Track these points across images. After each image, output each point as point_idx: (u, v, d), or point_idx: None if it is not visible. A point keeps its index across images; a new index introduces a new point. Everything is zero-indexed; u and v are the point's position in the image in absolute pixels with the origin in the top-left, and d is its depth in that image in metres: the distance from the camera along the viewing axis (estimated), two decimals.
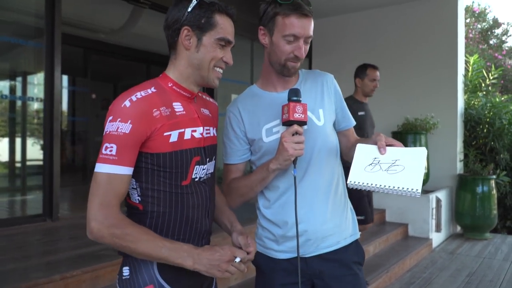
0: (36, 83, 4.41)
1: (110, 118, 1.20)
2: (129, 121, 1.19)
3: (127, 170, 1.20)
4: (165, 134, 1.25)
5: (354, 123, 1.74)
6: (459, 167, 6.68)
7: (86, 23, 6.77)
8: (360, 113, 3.94)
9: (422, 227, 5.85)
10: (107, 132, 1.19)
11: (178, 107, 1.31)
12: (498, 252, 5.52)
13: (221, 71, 1.37)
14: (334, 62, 7.40)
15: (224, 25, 1.32)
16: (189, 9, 1.29)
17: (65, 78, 9.07)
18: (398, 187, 1.31)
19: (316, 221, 1.56)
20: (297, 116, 1.40)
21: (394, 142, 1.42)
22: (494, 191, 6.28)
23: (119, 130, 1.18)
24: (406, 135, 6.41)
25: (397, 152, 1.38)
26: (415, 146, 6.24)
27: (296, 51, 1.50)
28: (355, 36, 7.53)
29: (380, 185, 1.34)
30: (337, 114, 1.68)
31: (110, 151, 1.18)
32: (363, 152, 1.42)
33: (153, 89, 1.29)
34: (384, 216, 6.14)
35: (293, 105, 1.40)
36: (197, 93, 1.42)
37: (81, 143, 9.51)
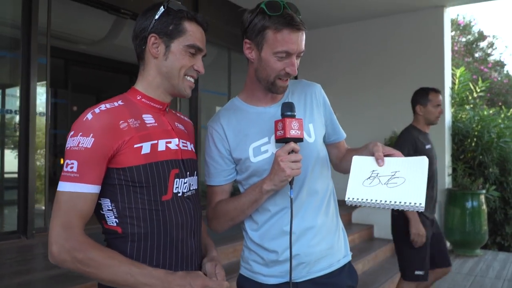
0: (15, 95, 4.29)
1: (71, 133, 1.14)
2: (91, 134, 1.12)
3: (91, 188, 1.12)
4: (135, 146, 1.18)
5: (345, 135, 1.62)
6: (448, 181, 6.57)
7: (66, 34, 6.60)
8: (427, 146, 3.27)
9: None
10: (68, 148, 1.13)
11: (148, 119, 1.25)
12: (490, 270, 5.38)
13: (192, 80, 1.31)
14: (321, 75, 7.32)
15: (194, 33, 1.28)
16: (157, 17, 1.26)
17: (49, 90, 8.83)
18: (400, 202, 1.22)
19: (308, 244, 1.45)
20: (293, 133, 1.30)
21: (393, 152, 1.31)
22: (484, 206, 6.16)
23: (80, 145, 1.11)
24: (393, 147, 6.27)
25: (396, 163, 1.29)
26: None
27: (288, 68, 1.38)
28: (342, 48, 7.50)
29: (381, 201, 1.24)
30: (327, 127, 1.58)
31: (71, 168, 1.11)
32: (360, 165, 1.32)
33: (120, 102, 1.23)
34: (372, 232, 5.99)
35: (289, 121, 1.30)
36: (169, 104, 1.36)
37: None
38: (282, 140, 1.32)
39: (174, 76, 1.27)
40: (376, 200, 1.24)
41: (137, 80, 1.32)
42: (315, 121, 1.51)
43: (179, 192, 1.25)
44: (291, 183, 1.33)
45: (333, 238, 1.52)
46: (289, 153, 1.30)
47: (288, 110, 1.33)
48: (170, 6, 1.27)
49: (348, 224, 5.96)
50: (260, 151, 1.44)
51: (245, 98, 1.54)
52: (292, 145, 1.30)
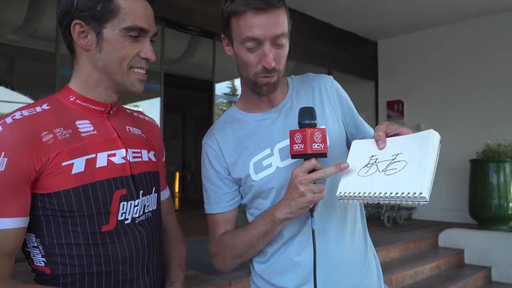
0: None
1: None
2: (3, 153, 0.87)
3: (11, 223, 0.88)
4: (64, 164, 0.92)
5: (373, 131, 1.29)
6: None
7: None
8: None
9: (509, 271, 4.97)
10: None
11: (85, 126, 0.99)
12: None
13: (142, 71, 1.03)
14: (402, 83, 6.89)
15: (132, 9, 0.97)
16: None
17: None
18: (397, 193, 0.94)
19: (327, 280, 1.16)
20: (316, 147, 1.04)
21: (401, 130, 1.05)
22: None
23: None
24: (487, 163, 5.71)
25: (399, 142, 1.03)
26: (498, 177, 5.47)
27: (263, 60, 1.10)
28: (424, 56, 7.04)
29: (375, 194, 0.98)
30: (347, 126, 1.28)
31: None
32: (359, 150, 1.08)
33: (45, 106, 0.97)
34: (462, 257, 5.36)
35: (311, 131, 1.04)
36: (115, 105, 1.08)
37: None
38: (300, 156, 1.06)
39: (114, 71, 1.00)
40: (370, 193, 0.98)
41: (71, 76, 1.05)
42: (328, 121, 1.23)
43: (127, 219, 1.00)
44: (312, 210, 1.07)
45: (361, 271, 1.22)
46: (309, 172, 1.04)
47: (307, 117, 1.07)
48: None
49: (434, 248, 5.41)
50: (262, 166, 1.19)
51: (242, 106, 1.29)
52: (313, 162, 1.04)
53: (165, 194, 1.25)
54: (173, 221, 1.28)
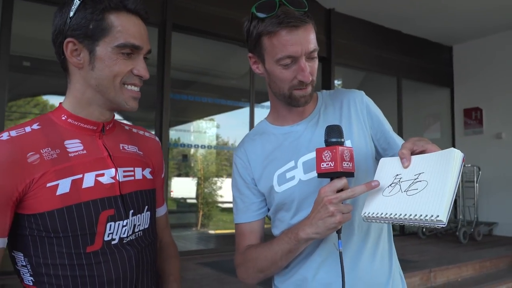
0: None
1: None
2: None
3: None
4: (49, 185, 0.92)
5: None
6: None
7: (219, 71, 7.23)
8: None
9: None
10: None
11: (74, 145, 0.99)
12: None
13: (135, 88, 1.03)
14: (480, 90, 6.47)
15: (124, 26, 0.98)
16: (71, 14, 0.96)
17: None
18: (415, 216, 0.91)
19: None
20: (346, 166, 1.02)
21: (427, 146, 1.00)
22: None
23: None
24: None
25: (422, 161, 0.98)
26: None
27: (299, 74, 1.12)
28: (502, 58, 6.56)
29: (395, 215, 0.95)
30: (378, 142, 1.26)
31: None
32: (385, 169, 1.04)
33: (35, 126, 0.98)
34: None
35: (341, 149, 1.02)
36: (109, 123, 1.09)
37: None
38: (327, 174, 1.03)
39: (107, 88, 1.00)
40: (391, 215, 0.95)
41: (66, 95, 1.05)
42: (353, 137, 1.22)
43: (114, 239, 0.99)
44: (339, 231, 1.04)
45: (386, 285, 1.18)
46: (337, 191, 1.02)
47: (334, 135, 1.05)
48: None
49: (511, 267, 4.98)
50: (286, 178, 1.19)
51: (271, 119, 1.32)
52: (345, 181, 1.02)
53: (161, 210, 1.26)
54: (169, 236, 1.30)
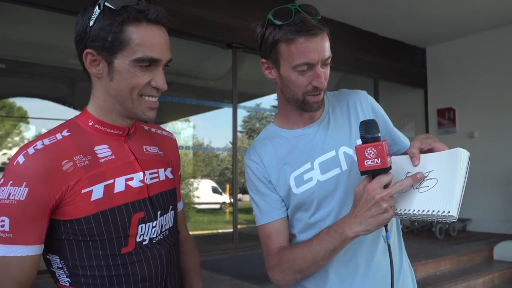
0: None
1: (1, 181, 0.92)
2: (24, 183, 0.90)
3: (29, 250, 0.92)
4: (83, 191, 0.95)
5: (409, 143, 1.32)
6: None
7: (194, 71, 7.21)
8: None
9: None
10: None
11: (103, 151, 1.01)
12: None
13: (153, 99, 1.03)
14: (452, 90, 6.67)
15: (143, 39, 0.96)
16: (91, 23, 0.96)
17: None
18: (428, 211, 0.99)
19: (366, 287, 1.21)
20: (389, 160, 1.03)
21: (434, 144, 1.07)
22: None
23: (11, 198, 0.90)
24: None
25: (431, 160, 1.05)
26: None
27: (315, 81, 1.17)
28: (475, 60, 6.77)
29: (409, 211, 1.02)
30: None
31: (2, 226, 0.89)
32: (396, 167, 1.08)
33: (65, 133, 1.00)
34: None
35: (386, 144, 1.02)
36: (132, 127, 1.11)
37: None
38: (371, 171, 1.03)
39: (125, 99, 1.00)
40: (405, 210, 1.02)
41: (90, 100, 1.07)
42: None
43: (145, 240, 1.03)
44: (386, 225, 1.07)
45: (395, 282, 1.21)
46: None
47: (373, 130, 1.04)
48: (107, 3, 0.96)
49: (489, 261, 5.16)
50: (303, 179, 1.23)
51: (280, 123, 1.34)
52: (391, 176, 1.03)
53: (179, 206, 1.29)
54: (186, 231, 1.33)
